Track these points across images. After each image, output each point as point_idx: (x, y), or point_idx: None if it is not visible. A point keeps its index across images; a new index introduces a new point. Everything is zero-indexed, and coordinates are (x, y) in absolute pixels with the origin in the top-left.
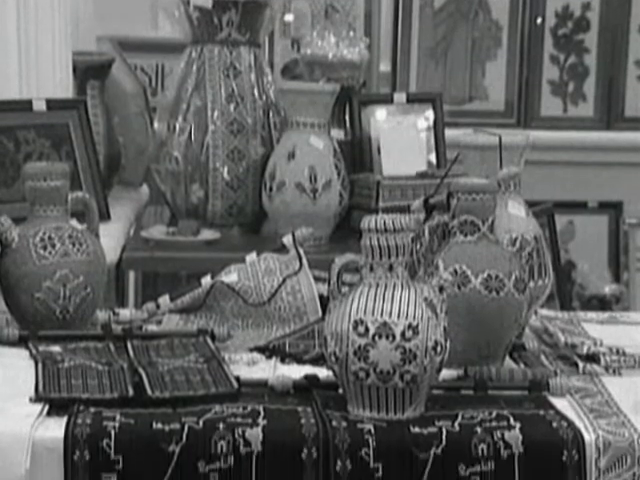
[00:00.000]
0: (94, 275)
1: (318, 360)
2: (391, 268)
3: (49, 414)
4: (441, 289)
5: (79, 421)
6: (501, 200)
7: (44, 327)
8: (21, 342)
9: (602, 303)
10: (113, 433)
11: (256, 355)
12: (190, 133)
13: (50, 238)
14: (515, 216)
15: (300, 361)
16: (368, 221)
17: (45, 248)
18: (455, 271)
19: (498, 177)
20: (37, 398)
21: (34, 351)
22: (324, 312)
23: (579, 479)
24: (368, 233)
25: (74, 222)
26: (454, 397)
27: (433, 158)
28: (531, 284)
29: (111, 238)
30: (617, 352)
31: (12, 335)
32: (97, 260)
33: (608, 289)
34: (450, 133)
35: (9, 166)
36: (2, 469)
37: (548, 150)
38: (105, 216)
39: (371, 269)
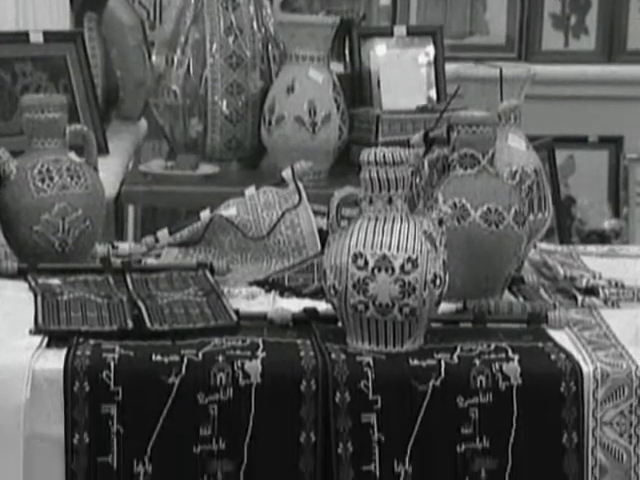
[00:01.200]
0: (93, 208)
1: (317, 293)
2: (390, 201)
3: (49, 346)
4: (440, 222)
5: (79, 353)
6: (501, 133)
7: (43, 260)
8: (20, 275)
9: (601, 238)
10: (112, 365)
11: (255, 289)
12: (189, 66)
13: (48, 171)
14: (515, 149)
15: (299, 295)
16: (367, 154)
17: (43, 181)
18: (454, 204)
19: (498, 110)
20: (37, 330)
21: (33, 284)
22: (323, 246)
23: (577, 410)
24: (367, 166)
25: (72, 155)
26: (453, 330)
27: (433, 94)
28: (531, 217)
29: (110, 172)
30: (616, 285)
31: (11, 268)
32: (96, 193)
33: (607, 224)
34: (450, 67)
35: (6, 99)
36: (2, 400)
37: (549, 84)
38: (103, 150)
39: (370, 202)
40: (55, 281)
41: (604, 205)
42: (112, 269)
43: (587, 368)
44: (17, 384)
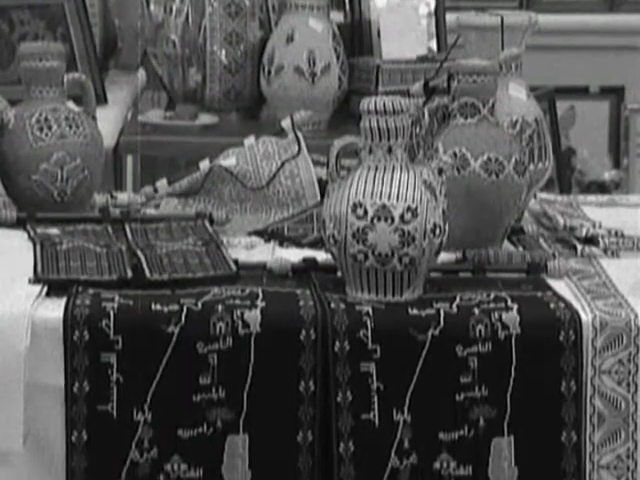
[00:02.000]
0: (91, 158)
1: (317, 243)
2: (390, 150)
3: (48, 295)
4: (440, 172)
5: (78, 302)
6: (502, 82)
7: (42, 210)
8: (19, 224)
9: (601, 189)
10: (112, 314)
11: (254, 239)
12: (187, 15)
13: (46, 120)
14: (516, 98)
15: (299, 244)
16: (367, 102)
17: (42, 130)
18: (455, 154)
19: (499, 59)
20: (36, 279)
21: (32, 233)
22: (323, 196)
23: (575, 359)
24: (367, 115)
25: (71, 104)
26: (452, 280)
27: (434, 45)
28: (531, 167)
29: (108, 122)
30: (616, 234)
31: (10, 217)
32: (94, 143)
33: (608, 175)
34: (451, 16)
35: (4, 47)
36: (2, 349)
37: (550, 34)
38: (102, 99)
39: (370, 151)
40: (54, 231)
41: (604, 156)
42: (111, 219)
43: (586, 317)
44: (17, 333)
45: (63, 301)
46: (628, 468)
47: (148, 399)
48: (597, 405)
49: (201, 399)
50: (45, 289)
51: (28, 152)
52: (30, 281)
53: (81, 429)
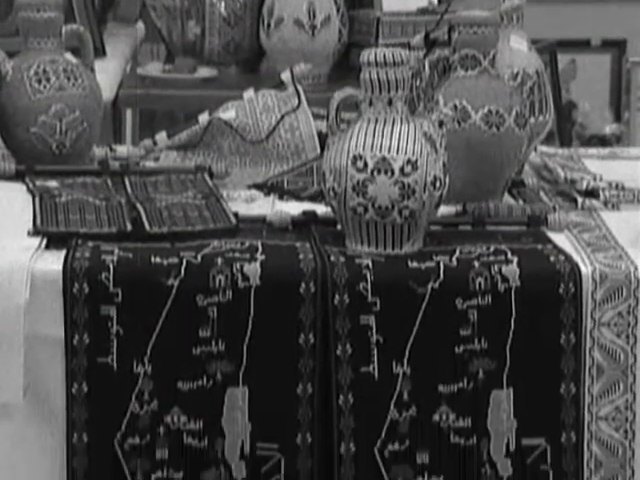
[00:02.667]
0: (90, 110)
1: (316, 196)
2: (390, 103)
3: (47, 248)
4: (441, 124)
5: (77, 255)
6: (503, 34)
7: (41, 162)
8: (18, 177)
9: (602, 142)
10: (112, 266)
11: (254, 192)
12: None
13: (45, 71)
14: (517, 50)
15: (298, 198)
16: (367, 54)
17: (40, 82)
18: (455, 106)
19: (500, 10)
20: (35, 232)
21: (31, 186)
22: (322, 149)
23: (575, 311)
24: (367, 67)
25: (69, 56)
26: (452, 233)
27: None
28: (532, 120)
29: (107, 75)
30: (616, 187)
31: (9, 169)
32: (93, 95)
33: (608, 129)
34: None
35: None
36: (1, 301)
37: None
38: (100, 52)
39: (370, 104)
40: (53, 183)
41: (605, 110)
42: (110, 172)
43: (586, 269)
44: (16, 285)
45: (62, 254)
46: (627, 419)
47: (148, 351)
48: (596, 357)
49: (201, 352)
50: (44, 242)
51: (26, 104)
52: (29, 233)
53: (81, 381)
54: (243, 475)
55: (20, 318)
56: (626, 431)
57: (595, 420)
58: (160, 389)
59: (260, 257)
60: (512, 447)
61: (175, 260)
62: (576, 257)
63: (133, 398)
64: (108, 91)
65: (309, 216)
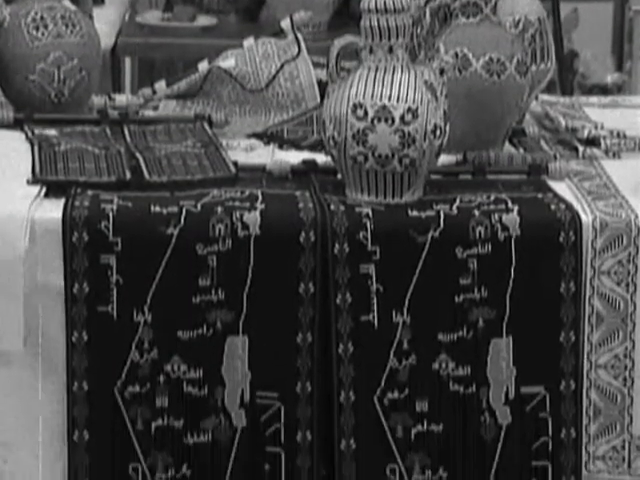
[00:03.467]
0: (89, 58)
1: (316, 146)
2: (391, 50)
3: (47, 196)
4: (441, 72)
5: (77, 203)
6: None
7: (39, 111)
8: (16, 125)
9: (604, 92)
10: (111, 215)
11: (254, 141)
12: None
13: (42, 18)
14: None
15: (298, 147)
16: (368, 1)
17: (37, 29)
18: (456, 54)
19: None
20: (34, 180)
21: (30, 134)
22: (322, 98)
23: (575, 260)
24: (368, 14)
25: (67, 2)
26: (452, 182)
27: None
28: (533, 68)
29: (105, 22)
30: (617, 135)
31: (7, 118)
32: (91, 43)
33: (610, 78)
34: None
35: None
36: (1, 249)
37: None
38: None
39: (371, 51)
40: (52, 132)
41: (607, 59)
42: (109, 121)
43: (586, 218)
44: (16, 234)
45: (62, 202)
46: (625, 367)
47: (148, 300)
48: (596, 305)
49: (200, 301)
50: (43, 190)
51: (24, 51)
52: (28, 182)
53: (81, 330)
54: (243, 423)
55: (19, 267)
56: (625, 379)
57: (594, 368)
58: (160, 338)
59: (260, 206)
60: (511, 395)
61: (175, 209)
62: (576, 205)
63: (133, 347)
64: (106, 38)
65: (309, 165)
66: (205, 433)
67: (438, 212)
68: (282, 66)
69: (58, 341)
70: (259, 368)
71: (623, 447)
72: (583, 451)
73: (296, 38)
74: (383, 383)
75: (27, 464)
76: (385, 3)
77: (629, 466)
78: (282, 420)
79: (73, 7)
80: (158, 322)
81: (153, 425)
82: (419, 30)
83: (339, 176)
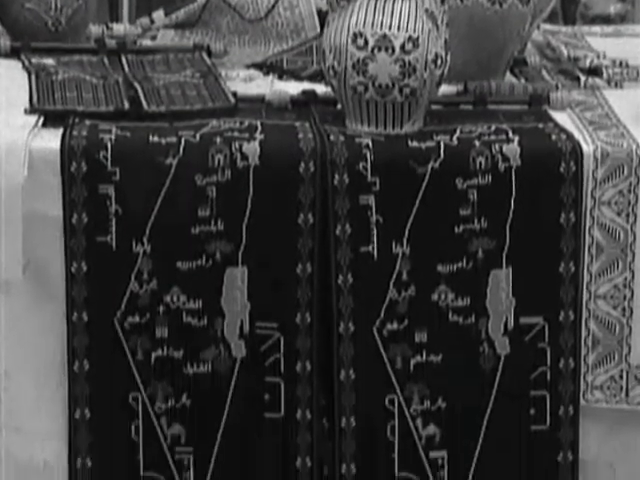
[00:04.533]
0: None
1: (316, 76)
2: None
3: (44, 126)
4: (443, 1)
5: (75, 133)
6: None
7: (37, 40)
8: (13, 54)
9: (607, 22)
10: (109, 145)
11: (253, 71)
12: None
13: None
14: None
15: (298, 77)
16: None
17: None
18: None
19: None
20: (32, 109)
21: (27, 63)
22: (322, 28)
23: (575, 190)
24: None
25: None
26: (453, 112)
27: None
28: None
29: None
30: (620, 64)
31: (4, 46)
32: None
33: (613, 8)
34: None
35: None
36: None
37: None
38: None
39: None
40: (49, 61)
41: None
42: (107, 50)
43: (587, 148)
44: (14, 163)
45: (59, 132)
46: (625, 297)
47: (147, 231)
48: (596, 236)
49: (200, 231)
50: (41, 120)
51: None
52: (26, 111)
53: (80, 260)
54: (242, 354)
55: (18, 197)
56: (624, 309)
57: (593, 298)
58: (159, 268)
59: (259, 136)
60: (510, 325)
61: (174, 139)
62: (578, 135)
63: (132, 277)
64: None
65: (309, 95)
66: (205, 363)
67: (438, 143)
68: None
69: (57, 271)
70: (258, 299)
71: (621, 377)
72: (581, 381)
73: None
74: (382, 314)
75: (27, 393)
76: None
77: (627, 395)
78: (282, 350)
79: None
80: (157, 253)
81: (153, 355)
82: None
83: (339, 106)
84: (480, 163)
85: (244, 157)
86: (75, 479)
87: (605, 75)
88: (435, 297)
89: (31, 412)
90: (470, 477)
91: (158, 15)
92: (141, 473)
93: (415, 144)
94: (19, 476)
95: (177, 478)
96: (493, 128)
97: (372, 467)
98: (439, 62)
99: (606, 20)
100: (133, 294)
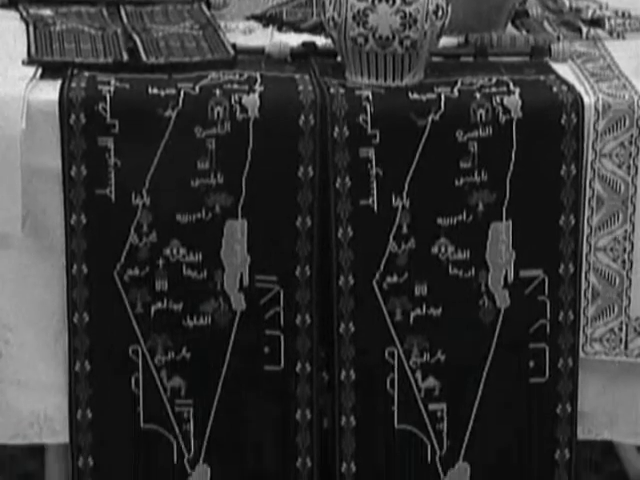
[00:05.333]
0: None
1: (316, 28)
2: None
3: (43, 77)
4: None
5: (73, 85)
6: None
7: None
8: (11, 5)
9: None
10: (108, 97)
11: (252, 23)
12: None
13: None
14: None
15: (298, 29)
16: None
17: None
18: None
19: None
20: (30, 61)
21: (25, 14)
22: None
23: (576, 142)
24: None
25: None
26: (454, 64)
27: None
28: None
29: None
30: (622, 15)
31: None
32: None
33: None
34: None
35: None
36: None
37: None
38: None
39: None
40: (47, 12)
41: None
42: (105, 1)
43: (589, 99)
44: (12, 115)
45: (58, 84)
46: (624, 250)
47: (146, 184)
48: (596, 188)
49: (199, 184)
50: (39, 71)
51: None
52: (24, 63)
53: (80, 213)
54: (242, 307)
55: (17, 149)
56: (624, 261)
57: (593, 251)
58: (159, 221)
59: (259, 88)
60: (510, 278)
61: (173, 91)
62: (579, 87)
63: (132, 230)
64: None
65: (309, 47)
66: (204, 316)
67: (439, 95)
68: None
69: (57, 224)
70: (258, 252)
71: (620, 329)
72: (581, 333)
73: None
74: (382, 267)
75: (28, 346)
76: None
77: (626, 347)
78: (281, 303)
79: None
80: (157, 206)
81: (152, 308)
82: None
83: (339, 58)
84: (481, 115)
85: (244, 109)
86: (75, 431)
87: (607, 26)
88: (435, 250)
89: (31, 365)
90: (469, 429)
91: None
92: (141, 425)
93: (415, 96)
94: (19, 428)
95: (177, 430)
96: (494, 80)
97: (371, 419)
98: (440, 13)
99: None
100: (133, 247)
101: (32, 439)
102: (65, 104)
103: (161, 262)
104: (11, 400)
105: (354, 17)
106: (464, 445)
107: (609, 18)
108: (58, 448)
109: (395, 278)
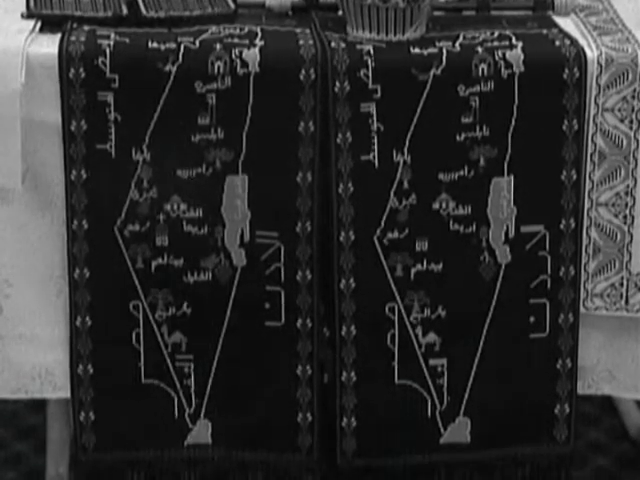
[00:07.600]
0: None
1: None
2: None
3: (42, 31)
4: None
5: (73, 38)
6: None
7: None
8: None
9: None
10: (108, 51)
11: None
12: None
13: None
14: None
15: None
16: None
17: None
18: None
19: None
20: (28, 14)
21: None
22: None
23: (579, 97)
24: None
25: None
26: (456, 18)
27: None
28: None
29: None
30: None
31: None
32: None
33: None
34: None
35: None
36: None
37: None
38: None
39: None
40: None
41: None
42: None
43: (591, 53)
44: (11, 69)
45: (57, 38)
46: (626, 205)
47: (147, 139)
48: (598, 143)
49: (200, 139)
50: (38, 25)
51: None
52: (23, 16)
53: (80, 168)
54: (243, 262)
55: (16, 103)
56: (625, 216)
57: (595, 206)
58: (159, 177)
59: (259, 43)
60: (511, 234)
61: (173, 45)
62: (582, 41)
63: (132, 185)
64: None
65: (310, 1)
66: (205, 272)
67: (440, 49)
68: None
69: (57, 179)
70: (259, 208)
71: (621, 284)
72: (581, 288)
73: None
74: (383, 223)
75: (29, 301)
76: None
77: (627, 303)
78: (282, 259)
79: None
80: (157, 161)
81: (153, 264)
82: None
83: (340, 12)
84: (483, 70)
85: (244, 64)
86: (76, 386)
87: None
88: (436, 206)
89: (32, 320)
90: (469, 384)
91: None
92: (142, 380)
93: (417, 51)
94: (20, 383)
95: (178, 385)
96: (496, 34)
97: (372, 375)
98: None
99: None
100: (133, 202)
101: (34, 394)
102: (64, 58)
103: (161, 217)
104: (12, 355)
105: None
106: (464, 400)
107: None
108: (60, 403)
109: (396, 234)
